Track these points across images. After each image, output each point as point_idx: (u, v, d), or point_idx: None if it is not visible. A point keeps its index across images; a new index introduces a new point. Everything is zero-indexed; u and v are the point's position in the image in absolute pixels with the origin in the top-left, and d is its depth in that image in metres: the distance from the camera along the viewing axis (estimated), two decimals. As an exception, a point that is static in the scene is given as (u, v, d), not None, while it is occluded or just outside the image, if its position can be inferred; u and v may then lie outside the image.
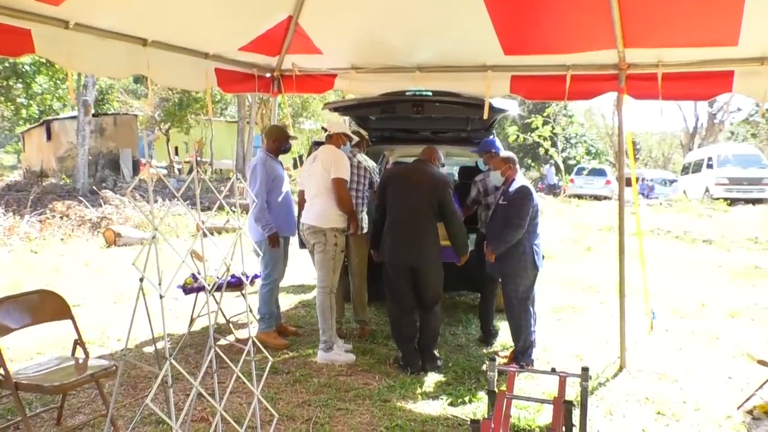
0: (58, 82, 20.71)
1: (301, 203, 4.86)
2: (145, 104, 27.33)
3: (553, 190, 25.86)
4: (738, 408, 3.74)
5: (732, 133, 34.57)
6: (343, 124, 5.00)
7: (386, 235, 4.44)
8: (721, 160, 20.10)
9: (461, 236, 4.45)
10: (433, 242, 4.39)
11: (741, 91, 4.18)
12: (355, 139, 4.90)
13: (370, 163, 5.09)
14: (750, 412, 3.67)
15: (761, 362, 3.79)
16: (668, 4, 3.76)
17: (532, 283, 4.41)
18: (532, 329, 4.41)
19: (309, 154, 5.18)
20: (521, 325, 4.36)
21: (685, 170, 23.06)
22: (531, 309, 4.41)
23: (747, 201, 18.42)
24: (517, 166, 4.56)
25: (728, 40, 3.84)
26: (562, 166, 25.75)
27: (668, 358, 4.75)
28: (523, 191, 4.31)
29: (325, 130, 4.84)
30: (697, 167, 21.41)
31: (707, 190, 19.74)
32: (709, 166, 20.25)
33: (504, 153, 4.73)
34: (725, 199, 18.06)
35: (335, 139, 4.69)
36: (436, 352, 4.49)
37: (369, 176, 5.00)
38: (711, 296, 6.87)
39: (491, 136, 5.68)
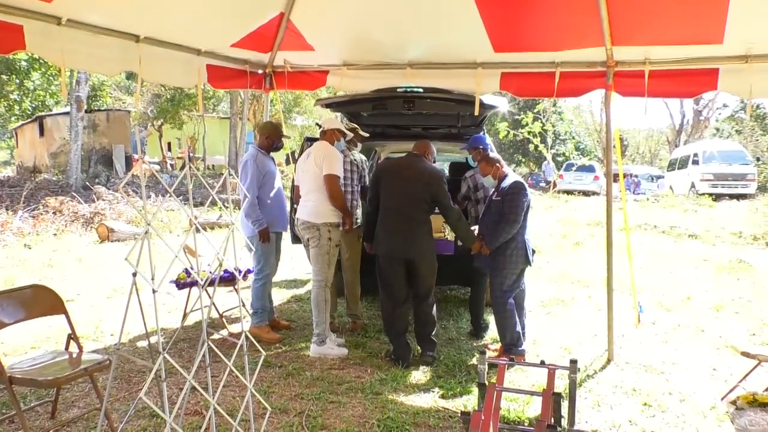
0: (51, 78, 20.59)
1: (297, 199, 4.89)
2: (134, 101, 27.23)
3: (540, 185, 26.01)
4: (722, 399, 3.82)
5: (717, 129, 34.90)
6: (336, 120, 5.02)
7: (379, 228, 4.48)
8: (706, 156, 20.38)
9: (463, 226, 4.49)
10: (427, 235, 4.43)
11: (726, 88, 4.23)
12: (350, 135, 4.91)
13: (357, 157, 5.10)
14: (733, 402, 3.72)
15: (744, 354, 3.86)
16: (655, 3, 3.81)
17: (519, 277, 4.45)
18: (516, 320, 4.45)
19: (301, 150, 5.20)
20: (505, 317, 4.39)
21: (672, 166, 23.33)
22: (512, 302, 4.44)
23: (731, 196, 18.73)
24: (503, 162, 4.57)
25: (714, 38, 3.90)
26: (551, 163, 25.89)
27: (655, 350, 4.83)
28: (517, 186, 4.35)
29: (320, 126, 4.86)
30: (683, 163, 21.68)
31: (693, 186, 20.03)
32: (695, 163, 20.52)
33: (490, 155, 4.70)
34: (710, 195, 18.31)
35: (329, 135, 4.71)
36: (433, 337, 4.54)
37: (358, 170, 5.03)
38: (696, 290, 6.97)
39: (481, 133, 5.73)
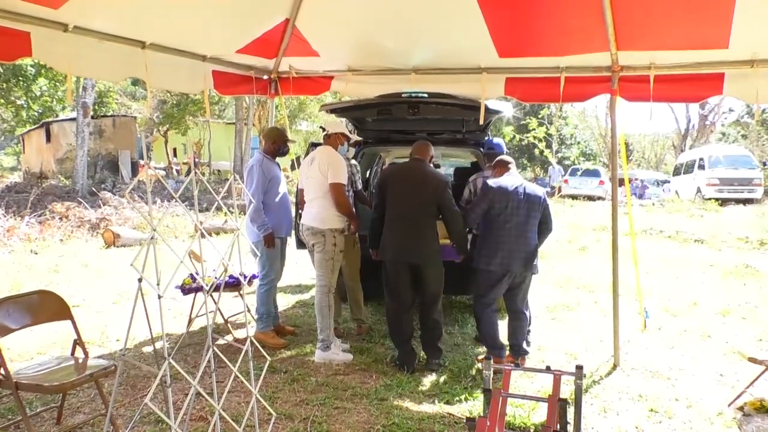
0: (58, 84, 20.72)
1: (301, 203, 4.89)
2: (144, 106, 27.37)
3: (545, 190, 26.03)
4: (729, 405, 3.80)
5: (723, 134, 34.78)
6: (341, 124, 5.02)
7: (386, 233, 4.47)
8: (712, 161, 20.31)
9: (461, 235, 4.49)
10: (434, 239, 4.43)
11: (731, 93, 4.22)
12: (353, 138, 4.89)
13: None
14: (741, 408, 3.72)
15: (752, 360, 3.84)
16: (660, 8, 3.81)
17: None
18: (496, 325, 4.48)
19: (306, 156, 5.21)
20: (523, 324, 4.45)
21: (677, 171, 23.28)
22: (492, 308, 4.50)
23: (738, 201, 18.66)
24: (509, 167, 4.55)
25: (719, 43, 3.90)
26: (557, 167, 25.86)
27: (661, 356, 4.80)
28: (482, 189, 4.48)
29: (324, 130, 4.87)
30: (688, 168, 21.62)
31: (699, 191, 19.96)
32: (701, 167, 20.46)
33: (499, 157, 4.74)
34: (716, 200, 18.25)
35: (333, 139, 4.71)
36: (440, 345, 4.53)
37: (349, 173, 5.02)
38: (703, 295, 6.94)
39: (487, 137, 5.74)
